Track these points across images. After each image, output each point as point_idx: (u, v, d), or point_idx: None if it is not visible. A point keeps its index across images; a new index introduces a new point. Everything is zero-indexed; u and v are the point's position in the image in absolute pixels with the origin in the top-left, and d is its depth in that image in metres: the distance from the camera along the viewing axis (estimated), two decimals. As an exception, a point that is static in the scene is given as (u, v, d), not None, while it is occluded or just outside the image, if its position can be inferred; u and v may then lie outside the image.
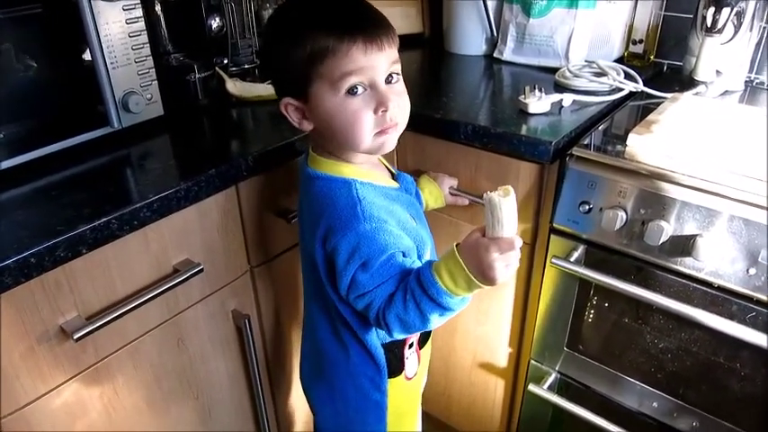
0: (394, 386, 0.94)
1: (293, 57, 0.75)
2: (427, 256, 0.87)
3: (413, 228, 0.83)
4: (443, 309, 0.74)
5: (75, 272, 0.78)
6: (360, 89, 0.75)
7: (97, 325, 0.78)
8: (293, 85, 0.78)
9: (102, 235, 0.76)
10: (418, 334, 0.94)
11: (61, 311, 0.78)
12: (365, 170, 0.83)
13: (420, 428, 1.12)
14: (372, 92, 0.75)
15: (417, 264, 0.79)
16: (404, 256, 0.79)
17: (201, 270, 0.90)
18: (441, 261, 0.73)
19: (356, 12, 0.76)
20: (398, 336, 0.82)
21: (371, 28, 0.74)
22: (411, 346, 0.94)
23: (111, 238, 0.78)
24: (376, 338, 0.88)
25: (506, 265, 0.69)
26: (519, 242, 0.69)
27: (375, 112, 0.76)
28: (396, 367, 0.93)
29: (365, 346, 0.88)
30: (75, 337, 0.76)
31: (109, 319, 0.80)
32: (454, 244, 0.72)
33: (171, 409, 0.99)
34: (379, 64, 0.74)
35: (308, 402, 1.06)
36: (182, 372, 0.99)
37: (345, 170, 0.81)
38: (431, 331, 1.01)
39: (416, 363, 0.97)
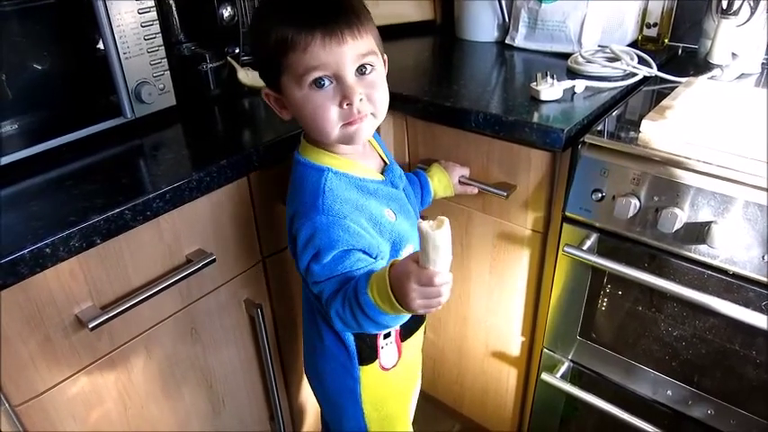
0: (368, 375, 0.94)
1: (263, 48, 0.76)
2: (408, 251, 0.87)
3: (389, 223, 0.83)
4: (372, 321, 0.73)
5: (90, 262, 0.79)
6: (326, 82, 0.75)
7: (111, 314, 0.79)
8: (268, 76, 0.80)
9: (116, 225, 0.77)
10: (398, 325, 0.94)
11: (76, 301, 0.79)
12: (346, 160, 0.83)
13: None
14: (339, 85, 0.75)
15: (378, 265, 0.79)
16: (366, 253, 0.79)
17: (214, 260, 0.91)
18: (375, 275, 0.72)
19: (319, 3, 0.74)
20: (344, 330, 0.85)
21: (331, 21, 0.72)
22: (387, 336, 0.94)
23: (124, 228, 0.79)
24: None
25: (424, 299, 0.67)
26: (443, 279, 0.65)
27: (340, 105, 0.76)
28: (368, 355, 0.93)
29: (336, 331, 0.90)
30: (90, 327, 0.77)
31: (123, 308, 0.81)
32: (391, 261, 0.72)
33: (185, 398, 1.01)
34: (341, 58, 0.73)
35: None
36: (195, 360, 1.00)
37: (325, 158, 0.82)
38: (419, 325, 1.00)
39: (396, 354, 0.97)
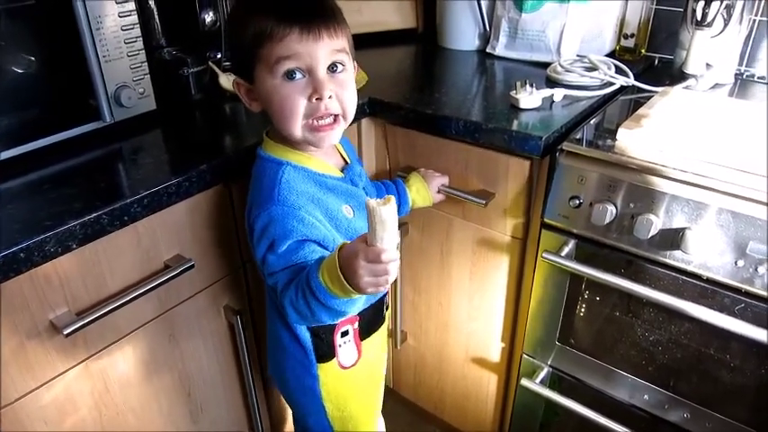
0: (327, 373, 0.95)
1: (240, 38, 0.78)
2: None
3: (346, 219, 0.85)
4: (324, 306, 0.74)
5: (65, 267, 0.78)
6: (298, 74, 0.77)
7: (87, 320, 0.78)
8: (242, 66, 0.82)
9: (93, 230, 0.76)
10: (356, 323, 0.95)
11: (51, 306, 0.78)
12: (306, 155, 0.85)
13: None
14: (310, 79, 0.77)
15: None
16: (321, 246, 0.80)
17: (193, 266, 0.90)
18: (326, 259, 0.73)
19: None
20: (299, 322, 0.87)
21: (310, 17, 0.76)
22: (345, 334, 0.95)
23: (101, 233, 0.78)
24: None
25: (372, 277, 0.68)
26: (389, 256, 0.66)
27: (309, 99, 0.78)
28: (325, 352, 0.94)
29: (292, 329, 0.91)
30: (64, 333, 0.76)
31: (99, 314, 0.79)
32: (341, 243, 0.73)
33: (162, 405, 1.00)
34: (315, 53, 0.76)
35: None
36: (173, 367, 0.99)
37: (285, 153, 0.84)
38: (378, 324, 1.01)
39: (355, 353, 0.98)
